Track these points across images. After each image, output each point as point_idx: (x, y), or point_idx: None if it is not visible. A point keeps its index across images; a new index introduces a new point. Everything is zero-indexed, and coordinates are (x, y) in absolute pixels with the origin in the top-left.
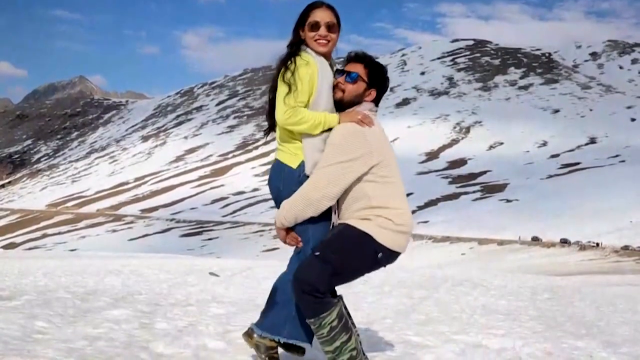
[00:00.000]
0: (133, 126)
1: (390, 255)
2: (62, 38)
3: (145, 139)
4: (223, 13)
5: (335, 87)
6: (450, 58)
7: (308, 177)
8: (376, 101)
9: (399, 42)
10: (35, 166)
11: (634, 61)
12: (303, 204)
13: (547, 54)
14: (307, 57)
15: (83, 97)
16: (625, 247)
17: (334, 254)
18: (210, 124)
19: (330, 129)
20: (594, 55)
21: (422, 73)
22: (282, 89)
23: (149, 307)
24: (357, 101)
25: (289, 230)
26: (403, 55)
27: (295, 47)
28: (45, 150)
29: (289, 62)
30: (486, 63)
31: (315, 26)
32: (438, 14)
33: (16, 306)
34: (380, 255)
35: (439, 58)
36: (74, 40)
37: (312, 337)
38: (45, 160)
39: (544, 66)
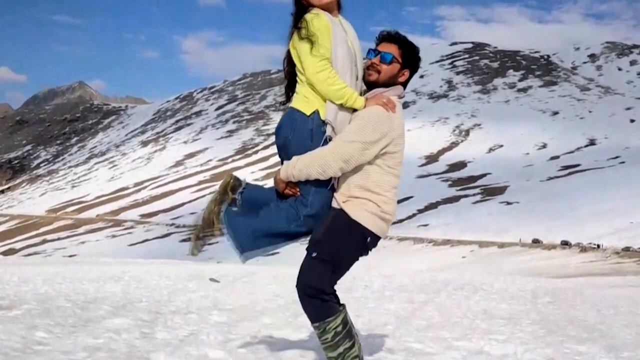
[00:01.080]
0: (132, 131)
1: (375, 240)
2: (62, 43)
3: (144, 144)
4: (223, 17)
5: (369, 67)
6: (449, 61)
7: (324, 123)
8: (407, 82)
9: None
10: (34, 172)
11: (632, 62)
12: (316, 168)
13: (545, 56)
14: (316, 11)
15: (83, 102)
16: (626, 249)
17: (329, 251)
18: (210, 129)
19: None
20: (593, 57)
21: (421, 76)
22: (303, 46)
23: (150, 315)
24: (391, 82)
25: (288, 183)
26: None
27: (300, 12)
28: (45, 155)
29: (300, 22)
30: (485, 66)
31: None
32: (437, 17)
33: (16, 316)
34: (368, 239)
35: (437, 61)
36: (74, 45)
37: (243, 252)
38: (45, 165)
39: (542, 68)
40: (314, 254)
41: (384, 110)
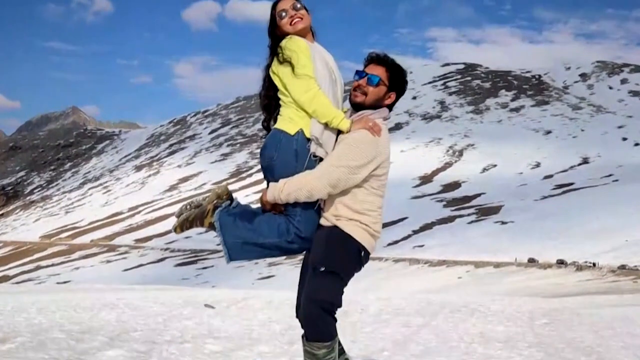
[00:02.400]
0: (126, 156)
1: (367, 256)
2: (56, 69)
3: (138, 168)
4: (216, 42)
5: (356, 89)
6: (442, 82)
7: (309, 140)
8: (393, 104)
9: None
10: (28, 198)
11: (623, 81)
12: (304, 192)
13: (537, 76)
14: (292, 37)
15: (76, 128)
16: (622, 267)
17: (335, 263)
18: (204, 153)
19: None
20: (584, 76)
21: (414, 97)
22: (285, 70)
23: (145, 345)
24: (377, 105)
25: (274, 205)
26: None
27: (276, 43)
28: (39, 181)
29: (278, 48)
30: (477, 86)
31: (285, 13)
32: (429, 39)
33: (10, 350)
34: (362, 253)
35: (430, 82)
36: (67, 71)
37: (231, 260)
38: (39, 191)
39: (534, 88)
40: (322, 269)
41: (371, 135)
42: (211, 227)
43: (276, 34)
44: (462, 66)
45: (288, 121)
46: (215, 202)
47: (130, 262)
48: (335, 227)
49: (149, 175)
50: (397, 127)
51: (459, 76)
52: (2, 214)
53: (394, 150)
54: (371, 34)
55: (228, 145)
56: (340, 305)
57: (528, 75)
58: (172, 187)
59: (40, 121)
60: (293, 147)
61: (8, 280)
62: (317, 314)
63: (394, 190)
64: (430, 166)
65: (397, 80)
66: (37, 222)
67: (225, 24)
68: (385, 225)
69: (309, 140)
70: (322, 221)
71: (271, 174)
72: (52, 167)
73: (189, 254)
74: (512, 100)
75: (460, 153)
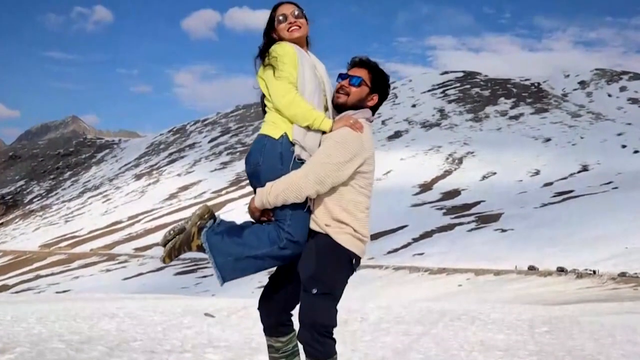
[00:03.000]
0: (126, 165)
1: (358, 261)
2: (55, 78)
3: (138, 177)
4: (215, 51)
5: (338, 90)
6: (441, 90)
7: (292, 144)
8: (376, 107)
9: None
10: (28, 207)
11: (622, 89)
12: (292, 192)
13: (536, 84)
14: (281, 42)
15: (76, 137)
16: (622, 274)
17: (327, 283)
18: (203, 161)
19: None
20: (583, 83)
21: (413, 105)
22: (268, 72)
23: (145, 355)
24: (359, 105)
25: (263, 211)
26: (394, 88)
27: (268, 45)
28: (38, 190)
29: (266, 53)
30: (476, 94)
31: (284, 18)
32: (429, 47)
33: None
34: (353, 261)
35: (429, 90)
36: (67, 80)
37: (225, 281)
38: (38, 200)
39: (533, 96)
40: (315, 291)
41: (352, 131)
42: (200, 249)
43: (272, 36)
44: (461, 74)
45: (271, 125)
46: (199, 223)
47: (129, 271)
48: (325, 236)
49: (149, 184)
50: (397, 135)
51: (458, 84)
52: (2, 223)
53: (393, 158)
54: (371, 42)
55: (228, 154)
56: (335, 326)
57: (527, 83)
58: (172, 196)
59: (40, 130)
60: (278, 151)
61: (7, 289)
62: (315, 339)
63: (394, 198)
64: (430, 174)
65: (380, 83)
66: (36, 231)
67: (224, 32)
68: (385, 233)
69: (293, 143)
70: (312, 225)
71: (257, 180)
72: (52, 176)
73: (188, 262)
74: (512, 108)
75: (460, 161)
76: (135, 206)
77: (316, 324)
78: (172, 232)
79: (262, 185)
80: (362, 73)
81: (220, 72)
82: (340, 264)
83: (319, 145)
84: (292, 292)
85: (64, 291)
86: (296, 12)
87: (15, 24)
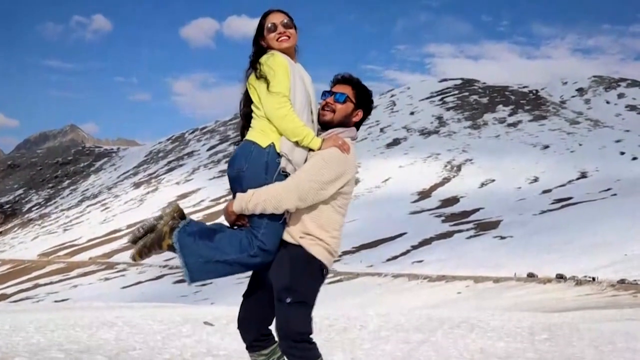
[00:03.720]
0: (124, 173)
1: (327, 272)
2: (54, 87)
3: (137, 185)
4: (214, 59)
5: (324, 107)
6: (439, 97)
7: (279, 155)
8: (360, 123)
9: (389, 84)
10: (26, 216)
11: (620, 96)
12: (272, 203)
13: (534, 91)
14: (272, 52)
15: (74, 145)
16: (622, 281)
17: (301, 292)
18: (202, 169)
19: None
20: (581, 90)
21: (412, 113)
22: (261, 85)
23: None
24: (345, 122)
25: (239, 216)
26: (392, 96)
27: (259, 54)
28: (37, 199)
29: (257, 63)
30: (474, 101)
31: (273, 27)
32: (427, 55)
33: None
34: (324, 271)
35: (427, 98)
36: (66, 89)
37: (193, 281)
38: (37, 209)
39: (531, 103)
40: (289, 300)
41: (340, 152)
42: (170, 248)
43: (260, 44)
44: (459, 82)
45: (260, 133)
46: (171, 223)
47: (128, 279)
48: (298, 247)
49: (148, 192)
50: (395, 142)
51: (456, 91)
52: (1, 232)
53: (392, 166)
54: (369, 50)
55: (226, 162)
56: (310, 332)
57: (525, 90)
58: (171, 204)
59: (39, 139)
60: (264, 160)
61: (6, 298)
62: (292, 346)
63: (393, 205)
64: (428, 181)
65: (364, 98)
66: (35, 240)
67: (223, 41)
68: (384, 240)
69: (279, 155)
70: (286, 236)
71: (239, 185)
72: (51, 185)
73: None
74: (510, 115)
75: (459, 168)
76: (134, 214)
77: (292, 332)
78: (141, 229)
79: (244, 191)
80: (346, 89)
81: (219, 80)
82: (314, 273)
83: (306, 161)
84: (268, 305)
85: (63, 300)
86: (285, 21)
87: (14, 33)
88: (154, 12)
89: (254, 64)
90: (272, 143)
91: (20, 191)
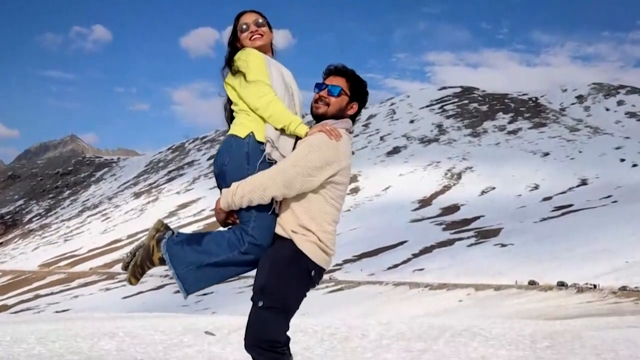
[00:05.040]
0: (125, 183)
1: (319, 273)
2: (54, 97)
3: (137, 195)
4: (213, 68)
5: (317, 100)
6: (439, 105)
7: (261, 143)
8: (355, 115)
9: (389, 92)
10: (27, 226)
11: (619, 103)
12: (257, 192)
13: (534, 99)
14: (246, 48)
15: (75, 156)
16: (623, 288)
17: (277, 296)
18: (202, 179)
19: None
20: (580, 98)
21: (412, 121)
22: (238, 79)
23: None
24: (339, 115)
25: (229, 213)
26: (392, 104)
27: (233, 53)
28: (37, 210)
29: (232, 60)
30: (474, 109)
31: (246, 27)
32: (427, 63)
33: None
34: (313, 273)
35: (427, 106)
36: (66, 99)
37: (188, 293)
38: (37, 220)
39: (531, 110)
40: (261, 303)
41: (328, 138)
42: (161, 261)
43: (236, 45)
44: (459, 89)
45: (239, 126)
46: (156, 235)
47: (129, 289)
48: (286, 242)
49: (148, 202)
50: (396, 150)
51: (456, 99)
52: (1, 243)
53: (392, 174)
54: (369, 58)
55: None
56: (281, 341)
57: (525, 97)
58: (171, 214)
59: (39, 149)
60: (244, 150)
61: (7, 309)
62: (258, 352)
63: (394, 213)
64: (429, 189)
65: (358, 90)
66: (35, 250)
67: (223, 49)
68: (384, 249)
69: (261, 143)
70: (278, 229)
71: (223, 180)
72: (51, 195)
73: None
74: (510, 122)
75: (459, 176)
76: (134, 224)
77: (259, 339)
78: (129, 254)
79: (228, 186)
80: (339, 82)
81: (218, 89)
82: (297, 275)
83: (293, 149)
84: None
85: (64, 310)
86: (260, 21)
87: (13, 43)
88: (154, 23)
89: (229, 62)
90: (252, 132)
91: (21, 202)
